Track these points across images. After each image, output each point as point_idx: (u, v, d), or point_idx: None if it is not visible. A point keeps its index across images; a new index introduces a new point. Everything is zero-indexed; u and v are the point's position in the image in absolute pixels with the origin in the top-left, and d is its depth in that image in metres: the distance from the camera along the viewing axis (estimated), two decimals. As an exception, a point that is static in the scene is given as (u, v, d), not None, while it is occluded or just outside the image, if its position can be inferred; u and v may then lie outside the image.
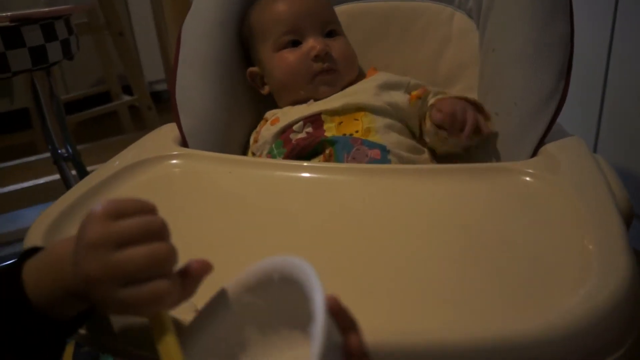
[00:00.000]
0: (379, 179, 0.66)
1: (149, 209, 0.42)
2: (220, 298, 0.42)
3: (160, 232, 0.40)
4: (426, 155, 0.80)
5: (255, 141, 0.86)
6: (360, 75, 0.91)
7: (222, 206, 0.65)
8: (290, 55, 0.85)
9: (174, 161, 0.74)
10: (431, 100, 0.81)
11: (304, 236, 0.58)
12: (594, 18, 1.35)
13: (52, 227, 0.60)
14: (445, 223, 0.59)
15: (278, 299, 0.38)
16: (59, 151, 1.20)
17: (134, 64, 1.89)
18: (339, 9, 0.97)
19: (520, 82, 0.74)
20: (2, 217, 1.60)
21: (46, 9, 0.97)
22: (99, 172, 0.72)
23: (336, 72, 0.85)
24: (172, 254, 0.40)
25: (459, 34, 0.92)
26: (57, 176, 1.35)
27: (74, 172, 1.27)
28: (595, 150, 1.38)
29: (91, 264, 0.39)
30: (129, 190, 0.68)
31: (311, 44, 0.84)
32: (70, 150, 1.22)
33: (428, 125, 0.80)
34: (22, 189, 1.60)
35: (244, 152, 0.89)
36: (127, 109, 2.13)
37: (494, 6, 0.83)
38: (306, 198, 0.65)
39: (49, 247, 0.45)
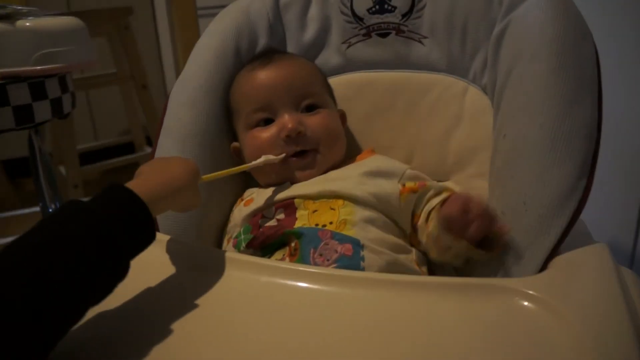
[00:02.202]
0: (349, 290, 0.56)
1: None
2: None
3: None
4: (412, 256, 0.69)
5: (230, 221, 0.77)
6: (353, 154, 0.82)
7: (164, 306, 0.56)
8: (260, 135, 0.77)
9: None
10: (435, 201, 0.70)
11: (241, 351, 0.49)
12: (631, 96, 1.21)
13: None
14: (416, 350, 0.48)
15: None
16: (49, 209, 1.15)
17: (156, 117, 1.87)
18: (339, 79, 0.89)
19: (531, 178, 0.63)
20: None
21: (37, 67, 0.93)
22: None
23: (313, 153, 0.76)
24: None
25: (472, 111, 0.82)
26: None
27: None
28: (633, 255, 1.22)
29: None
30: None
31: (282, 122, 0.76)
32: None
33: (430, 227, 0.68)
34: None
35: (223, 231, 0.80)
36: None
37: (508, 84, 0.72)
38: (261, 308, 0.55)
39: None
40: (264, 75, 0.78)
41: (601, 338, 0.46)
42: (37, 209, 1.72)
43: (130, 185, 0.53)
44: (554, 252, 0.60)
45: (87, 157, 2.15)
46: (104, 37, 1.85)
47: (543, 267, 0.59)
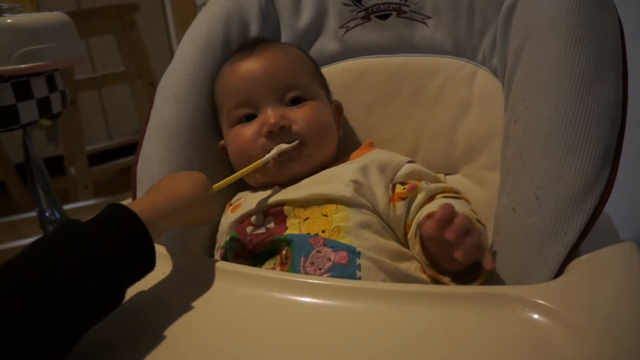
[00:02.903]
0: (343, 303, 0.49)
1: None
2: None
3: None
4: (416, 264, 0.61)
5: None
6: (352, 148, 0.75)
7: (136, 316, 0.51)
8: (242, 132, 0.71)
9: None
10: (425, 210, 0.61)
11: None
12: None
13: None
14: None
15: None
16: (46, 214, 1.12)
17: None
18: (337, 67, 0.82)
19: (545, 169, 0.55)
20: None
21: (21, 66, 0.88)
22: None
23: (299, 146, 0.69)
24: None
25: (482, 96, 0.74)
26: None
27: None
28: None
29: None
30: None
31: (264, 118, 0.69)
32: (56, 214, 1.12)
33: (417, 249, 0.59)
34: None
35: (214, 239, 0.74)
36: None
37: (520, 63, 0.65)
38: (237, 323, 0.49)
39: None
40: (245, 68, 0.72)
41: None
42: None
43: (133, 205, 0.50)
44: (573, 253, 0.52)
45: (102, 157, 2.13)
46: (111, 34, 1.81)
47: (560, 272, 0.52)
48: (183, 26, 1.30)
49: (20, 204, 2.01)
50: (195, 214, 0.57)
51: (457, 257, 0.51)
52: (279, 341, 0.47)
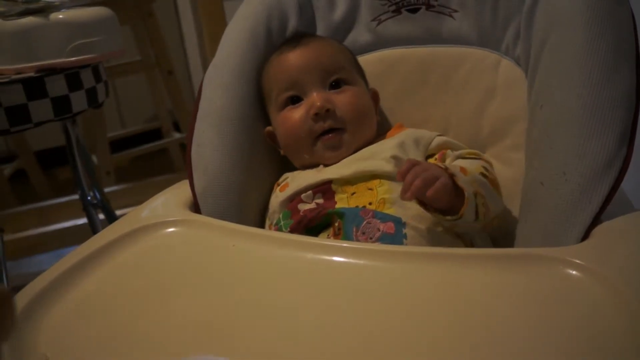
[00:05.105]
0: (391, 265, 0.57)
1: None
2: None
3: None
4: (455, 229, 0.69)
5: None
6: (385, 132, 0.82)
7: (214, 286, 0.58)
8: (290, 115, 0.78)
9: (172, 229, 0.68)
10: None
11: (289, 331, 0.50)
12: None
13: (33, 303, 0.56)
14: (462, 324, 0.49)
15: None
16: (88, 197, 1.18)
17: (182, 102, 1.89)
18: (369, 57, 0.89)
19: (570, 148, 0.63)
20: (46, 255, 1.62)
21: (73, 59, 0.94)
22: (93, 241, 0.67)
23: (342, 131, 0.77)
24: None
25: (505, 83, 0.81)
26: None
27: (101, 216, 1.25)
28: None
29: None
30: (117, 264, 0.63)
31: (311, 101, 0.77)
32: (98, 197, 1.19)
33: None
34: (68, 228, 1.62)
35: (265, 216, 0.82)
36: (178, 146, 2.13)
37: (544, 54, 0.72)
38: (306, 284, 0.57)
39: None
40: (292, 57, 0.79)
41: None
42: (74, 197, 1.77)
43: None
44: (596, 220, 0.60)
45: (116, 145, 2.18)
46: (128, 25, 1.86)
47: (585, 236, 0.59)
48: (209, 15, 1.36)
49: (40, 190, 2.07)
50: None
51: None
52: (344, 296, 0.54)
